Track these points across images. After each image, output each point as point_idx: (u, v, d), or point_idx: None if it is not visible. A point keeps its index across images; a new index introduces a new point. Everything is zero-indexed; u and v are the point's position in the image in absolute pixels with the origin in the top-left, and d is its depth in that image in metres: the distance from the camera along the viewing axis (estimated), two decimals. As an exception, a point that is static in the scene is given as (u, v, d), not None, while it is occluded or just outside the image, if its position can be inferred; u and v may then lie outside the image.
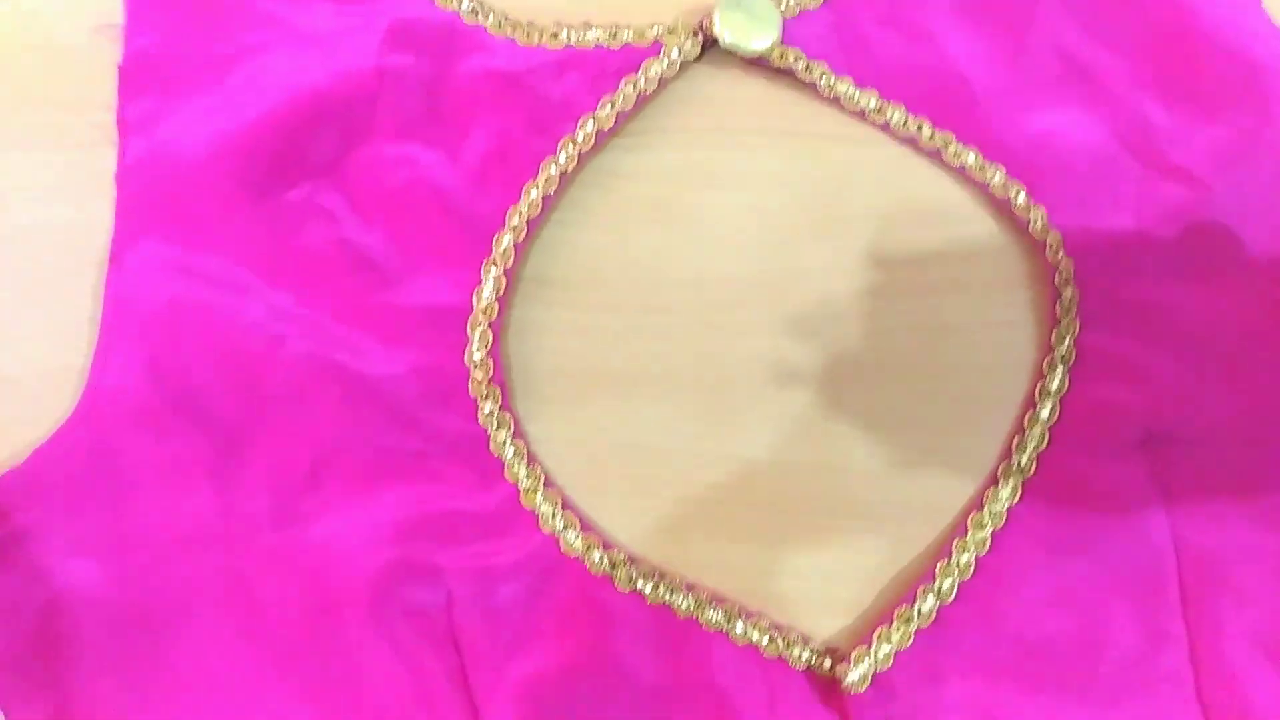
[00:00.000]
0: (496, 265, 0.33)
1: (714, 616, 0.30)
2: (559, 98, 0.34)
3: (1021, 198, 0.33)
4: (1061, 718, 0.30)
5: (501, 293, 0.32)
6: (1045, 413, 0.32)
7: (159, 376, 0.32)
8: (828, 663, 0.30)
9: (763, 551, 0.31)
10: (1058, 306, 0.33)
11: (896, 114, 0.34)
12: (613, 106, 0.34)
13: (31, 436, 0.31)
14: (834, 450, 0.32)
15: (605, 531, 0.31)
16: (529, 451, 0.32)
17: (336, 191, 0.33)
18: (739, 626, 0.30)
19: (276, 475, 0.31)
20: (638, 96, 0.34)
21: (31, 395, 0.32)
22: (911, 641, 0.30)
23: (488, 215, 0.33)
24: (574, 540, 0.31)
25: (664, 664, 0.30)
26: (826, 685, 0.30)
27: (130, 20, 0.35)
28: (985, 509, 0.31)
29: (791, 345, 0.33)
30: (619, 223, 0.34)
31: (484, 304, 0.32)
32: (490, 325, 0.32)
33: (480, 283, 0.32)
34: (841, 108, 0.34)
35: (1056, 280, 0.33)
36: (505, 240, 0.33)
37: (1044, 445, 0.32)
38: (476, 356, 0.32)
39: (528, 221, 0.33)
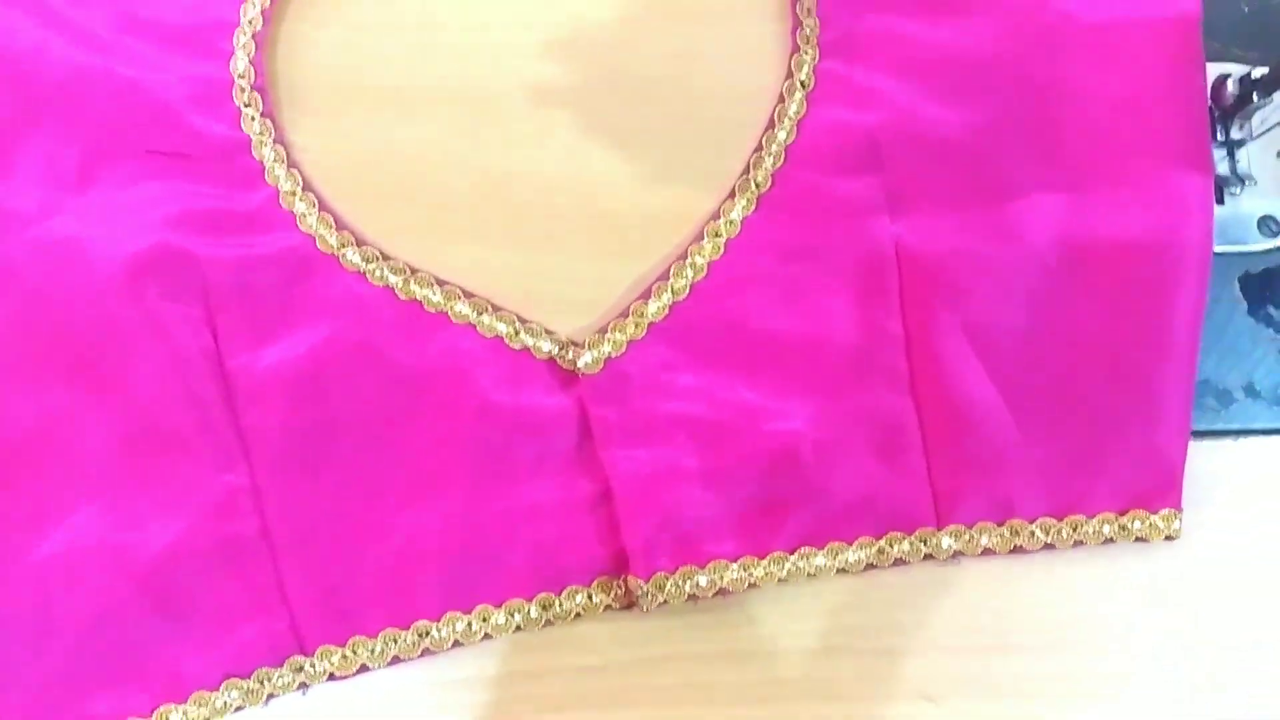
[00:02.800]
0: (263, -20, 0.32)
1: (462, 310, 0.30)
2: None
3: (772, -66, 0.33)
4: (785, 407, 0.30)
5: (267, 6, 0.31)
6: (783, 134, 0.32)
7: (-71, 79, 0.30)
8: (569, 354, 0.30)
9: (512, 255, 0.31)
10: (799, 35, 0.32)
11: None
12: None
13: None
14: (585, 164, 0.32)
15: (363, 233, 0.30)
16: (289, 157, 0.31)
17: (114, -89, 0.32)
18: (485, 319, 0.30)
19: (47, 172, 0.30)
20: None
21: None
22: (645, 333, 0.30)
23: (258, -66, 0.32)
24: (329, 238, 0.30)
25: (413, 352, 0.30)
26: (567, 375, 0.30)
27: None
28: (721, 218, 0.31)
29: (551, 66, 0.32)
30: (388, -51, 0.33)
31: (249, 16, 0.31)
32: (254, 37, 0.31)
33: (246, -3, 0.31)
34: None
35: (799, 11, 0.32)
36: (273, -43, 0.32)
37: (780, 163, 0.31)
38: (240, 66, 0.31)
39: (295, -60, 0.32)
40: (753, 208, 0.31)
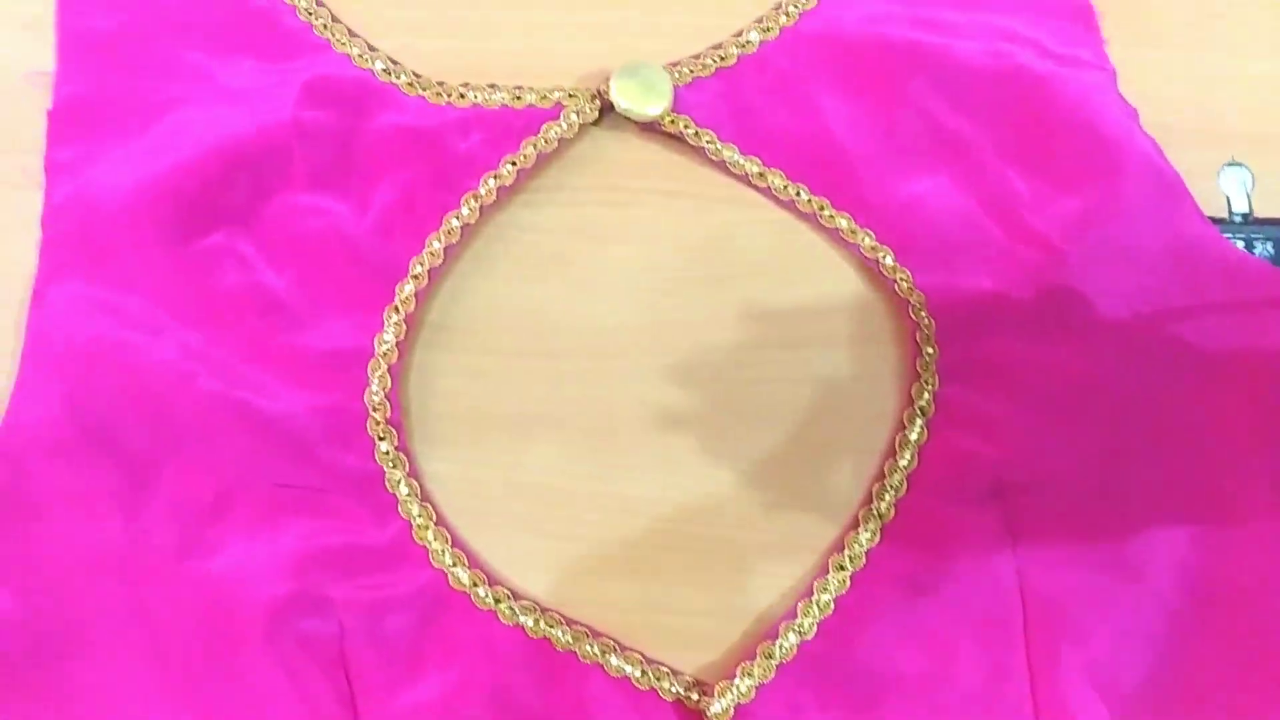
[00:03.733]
0: (398, 311, 0.32)
1: (591, 650, 0.30)
2: (464, 154, 0.33)
3: (890, 260, 0.33)
4: (911, 750, 0.30)
5: (402, 337, 0.32)
6: (904, 461, 0.32)
7: (75, 410, 0.30)
8: (695, 695, 0.29)
9: (639, 589, 0.31)
10: (919, 362, 0.32)
11: (777, 179, 0.34)
12: (514, 164, 0.33)
13: (-51, 465, 0.30)
14: (709, 492, 0.31)
15: (492, 567, 0.30)
16: (422, 489, 0.31)
17: (251, 238, 0.32)
18: (614, 660, 0.30)
19: (183, 507, 0.30)
20: (537, 155, 0.33)
21: (-49, 425, 0.31)
22: (774, 675, 0.29)
23: (392, 263, 0.32)
24: (462, 576, 0.30)
25: (543, 694, 0.29)
26: (694, 717, 0.29)
27: (62, 68, 0.34)
28: (846, 551, 0.31)
29: (674, 391, 0.32)
30: (517, 273, 0.33)
31: (384, 348, 0.31)
32: (389, 369, 0.31)
33: (382, 327, 0.31)
34: (727, 171, 0.34)
35: (919, 337, 0.32)
36: (407, 288, 0.32)
37: (903, 492, 0.31)
38: (375, 398, 0.31)
39: (429, 270, 0.32)
40: (877, 539, 0.31)
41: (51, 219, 0.32)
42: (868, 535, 0.31)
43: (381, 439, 0.31)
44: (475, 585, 0.30)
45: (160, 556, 0.29)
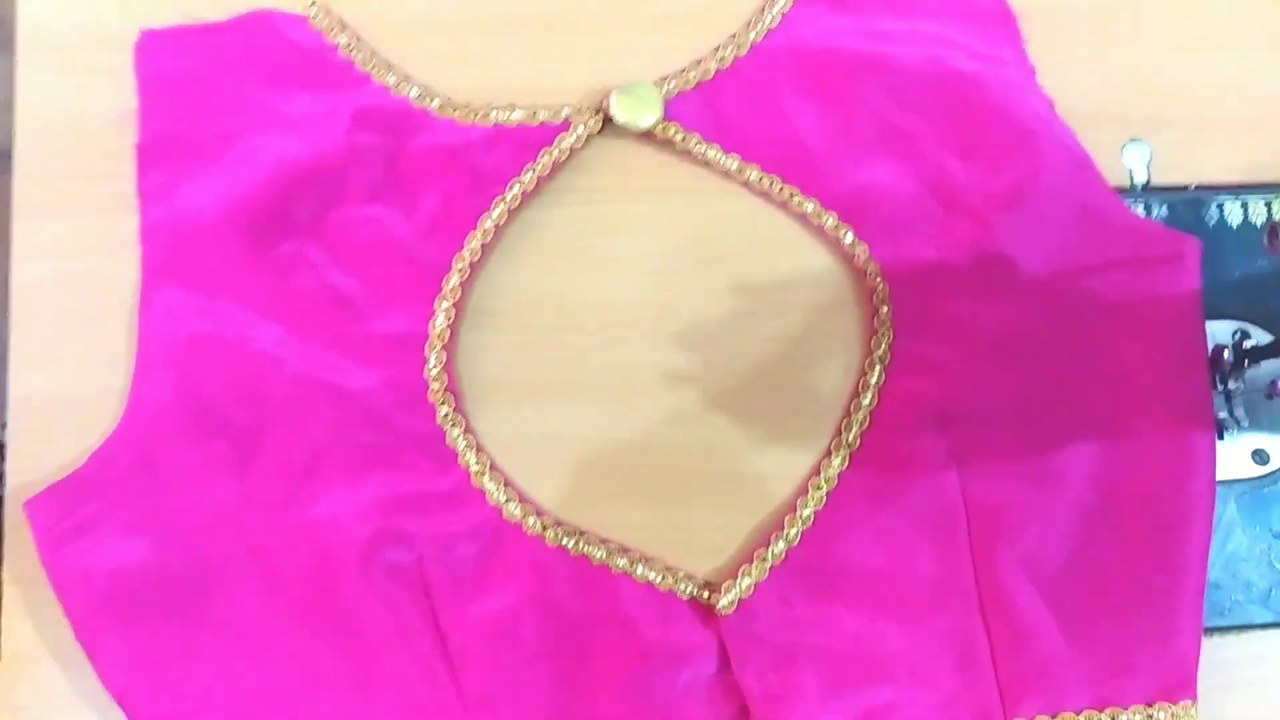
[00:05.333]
0: (446, 300, 0.39)
1: (620, 562, 0.37)
2: (491, 166, 0.40)
3: (849, 237, 0.40)
4: (880, 630, 0.37)
5: (452, 321, 0.38)
6: (867, 400, 0.39)
7: (185, 395, 0.37)
8: (706, 594, 0.37)
9: (656, 512, 0.38)
10: (876, 320, 0.39)
11: (753, 173, 0.41)
12: (534, 172, 0.40)
13: (84, 444, 0.37)
14: (708, 434, 0.39)
15: (538, 501, 0.38)
16: (477, 444, 0.38)
17: (318, 245, 0.39)
18: (639, 569, 0.37)
19: (282, 468, 0.37)
20: (553, 164, 0.40)
21: (82, 411, 0.38)
22: (768, 575, 0.37)
23: (438, 261, 0.39)
24: (514, 510, 0.37)
25: (584, 600, 0.37)
26: (706, 611, 0.37)
27: (144, 108, 0.40)
28: (821, 474, 0.38)
29: (677, 355, 0.39)
30: (542, 263, 0.40)
31: (438, 331, 0.38)
32: (444, 347, 0.38)
33: (434, 315, 0.38)
34: (711, 169, 0.41)
35: (875, 300, 0.40)
36: (453, 280, 0.39)
37: (866, 425, 0.39)
38: (433, 372, 0.38)
39: (470, 265, 0.39)
40: (846, 464, 0.38)
41: (148, 236, 0.39)
42: (839, 462, 0.38)
43: (441, 404, 0.38)
44: (525, 516, 0.37)
45: (267, 509, 0.37)
